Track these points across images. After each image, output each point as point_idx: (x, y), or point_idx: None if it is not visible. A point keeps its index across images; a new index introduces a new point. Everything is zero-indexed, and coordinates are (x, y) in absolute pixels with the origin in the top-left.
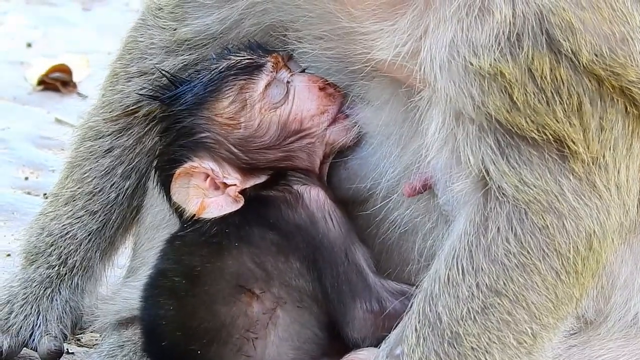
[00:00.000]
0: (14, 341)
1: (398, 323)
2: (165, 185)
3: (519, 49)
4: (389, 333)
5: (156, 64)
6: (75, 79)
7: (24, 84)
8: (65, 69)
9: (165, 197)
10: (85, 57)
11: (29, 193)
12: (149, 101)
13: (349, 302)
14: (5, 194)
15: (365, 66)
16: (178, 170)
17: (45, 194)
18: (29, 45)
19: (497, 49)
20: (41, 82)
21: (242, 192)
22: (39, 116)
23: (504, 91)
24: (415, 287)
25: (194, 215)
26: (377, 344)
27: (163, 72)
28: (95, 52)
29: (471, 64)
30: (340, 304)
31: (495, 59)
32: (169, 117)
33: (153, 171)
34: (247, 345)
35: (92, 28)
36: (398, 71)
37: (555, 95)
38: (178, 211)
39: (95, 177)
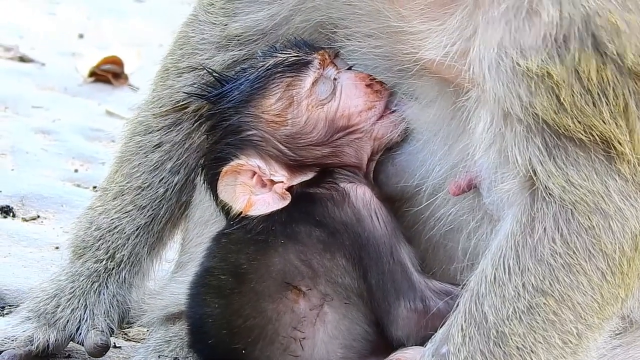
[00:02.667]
0: (60, 335)
1: (442, 323)
2: (212, 184)
3: (566, 50)
4: (433, 332)
5: (207, 59)
6: (126, 70)
7: (75, 75)
8: (116, 61)
9: (212, 195)
10: (137, 49)
11: (78, 185)
12: (197, 97)
13: (393, 300)
14: (54, 186)
15: (414, 65)
16: (225, 168)
17: (95, 187)
18: (81, 36)
19: (545, 50)
20: (92, 73)
21: (289, 189)
22: (89, 108)
23: (551, 92)
24: (460, 286)
25: (241, 212)
26: (421, 343)
27: (209, 70)
28: (147, 44)
29: (519, 65)
30: (384, 303)
31: (542, 60)
32: (215, 115)
33: (200, 170)
34: (294, 345)
35: (144, 20)
36: (446, 71)
37: (601, 97)
38: (225, 209)
39: (144, 172)
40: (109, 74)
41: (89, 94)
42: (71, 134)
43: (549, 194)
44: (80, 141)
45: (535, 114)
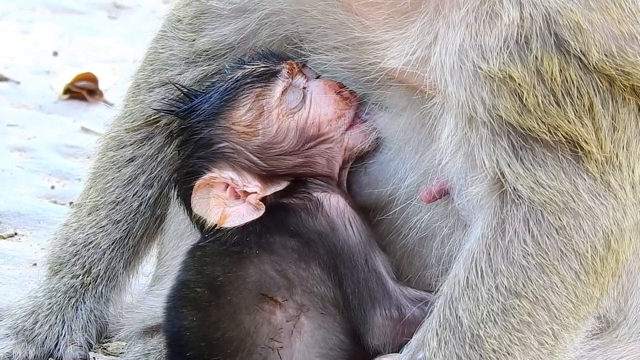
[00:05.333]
0: (39, 351)
1: (417, 329)
2: (186, 199)
3: (527, 51)
4: (409, 339)
5: (177, 74)
6: (101, 87)
7: (50, 92)
8: (91, 78)
9: (185, 209)
10: (111, 66)
11: (55, 202)
12: (167, 113)
13: (369, 309)
14: (31, 203)
15: (379, 75)
16: (198, 182)
17: (72, 203)
18: (55, 54)
19: (506, 52)
20: (67, 90)
21: (263, 200)
22: (65, 125)
23: (514, 94)
24: (434, 293)
25: (216, 225)
26: (397, 350)
27: (178, 85)
28: (121, 60)
29: (480, 68)
30: (360, 311)
31: (504, 63)
32: (186, 130)
33: (173, 185)
34: (272, 355)
35: (119, 36)
36: (410, 79)
37: (565, 97)
38: (199, 222)
39: (117, 187)
40: (83, 90)
41: (64, 111)
42: (47, 151)
43: (518, 195)
44: (56, 158)
45: (499, 116)
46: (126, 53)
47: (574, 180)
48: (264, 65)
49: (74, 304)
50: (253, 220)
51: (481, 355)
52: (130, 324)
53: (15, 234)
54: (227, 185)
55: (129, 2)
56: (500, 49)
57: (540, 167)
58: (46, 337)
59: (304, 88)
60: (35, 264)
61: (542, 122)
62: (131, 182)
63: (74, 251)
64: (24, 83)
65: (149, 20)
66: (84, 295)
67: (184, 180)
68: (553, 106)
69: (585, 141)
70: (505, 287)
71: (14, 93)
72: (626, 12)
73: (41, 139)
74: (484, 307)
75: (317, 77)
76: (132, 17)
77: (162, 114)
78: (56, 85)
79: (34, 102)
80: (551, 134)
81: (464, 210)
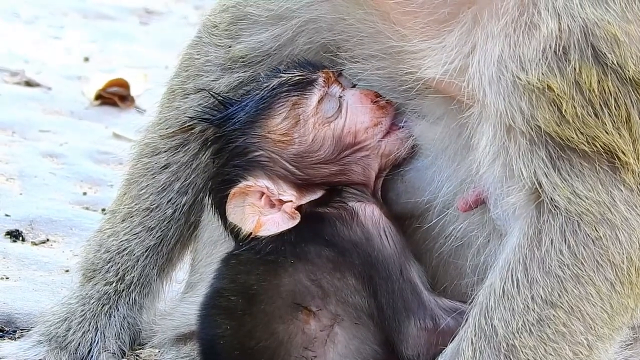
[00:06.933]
0: (72, 358)
1: (451, 340)
2: (220, 207)
3: (566, 62)
4: (442, 350)
5: (212, 81)
6: (133, 93)
7: (81, 98)
8: (123, 84)
9: (220, 218)
10: (143, 72)
11: (87, 208)
12: (202, 120)
13: (403, 319)
14: (63, 209)
15: (416, 84)
16: (233, 190)
17: (104, 209)
18: (87, 59)
19: (545, 63)
20: (99, 96)
21: (298, 208)
22: (96, 131)
23: (552, 104)
24: (468, 303)
25: (250, 233)
26: None
27: (213, 93)
28: (153, 66)
29: (519, 78)
30: (395, 321)
31: (543, 73)
32: (221, 138)
33: (207, 193)
34: None
35: (150, 42)
36: (447, 88)
37: (603, 108)
38: (233, 231)
39: (152, 194)
40: (115, 96)
41: (96, 117)
42: (79, 158)
43: (555, 205)
44: (88, 164)
45: (538, 126)
46: (158, 59)
47: (610, 191)
48: (300, 73)
49: (107, 311)
50: (288, 229)
51: None
52: (163, 331)
53: (47, 240)
54: (263, 194)
55: (160, 8)
56: (539, 59)
57: (578, 177)
58: (79, 344)
59: (340, 97)
60: (67, 271)
61: (581, 132)
62: (165, 189)
63: (108, 258)
64: (55, 89)
65: (180, 26)
66: (117, 302)
67: (219, 188)
68: (591, 117)
69: (623, 152)
70: (541, 297)
71: (46, 99)
72: None
73: (73, 145)
74: (520, 317)
75: (353, 86)
76: (163, 23)
77: (197, 121)
78: (88, 91)
79: (66, 108)
80: (589, 144)
81: (500, 219)
